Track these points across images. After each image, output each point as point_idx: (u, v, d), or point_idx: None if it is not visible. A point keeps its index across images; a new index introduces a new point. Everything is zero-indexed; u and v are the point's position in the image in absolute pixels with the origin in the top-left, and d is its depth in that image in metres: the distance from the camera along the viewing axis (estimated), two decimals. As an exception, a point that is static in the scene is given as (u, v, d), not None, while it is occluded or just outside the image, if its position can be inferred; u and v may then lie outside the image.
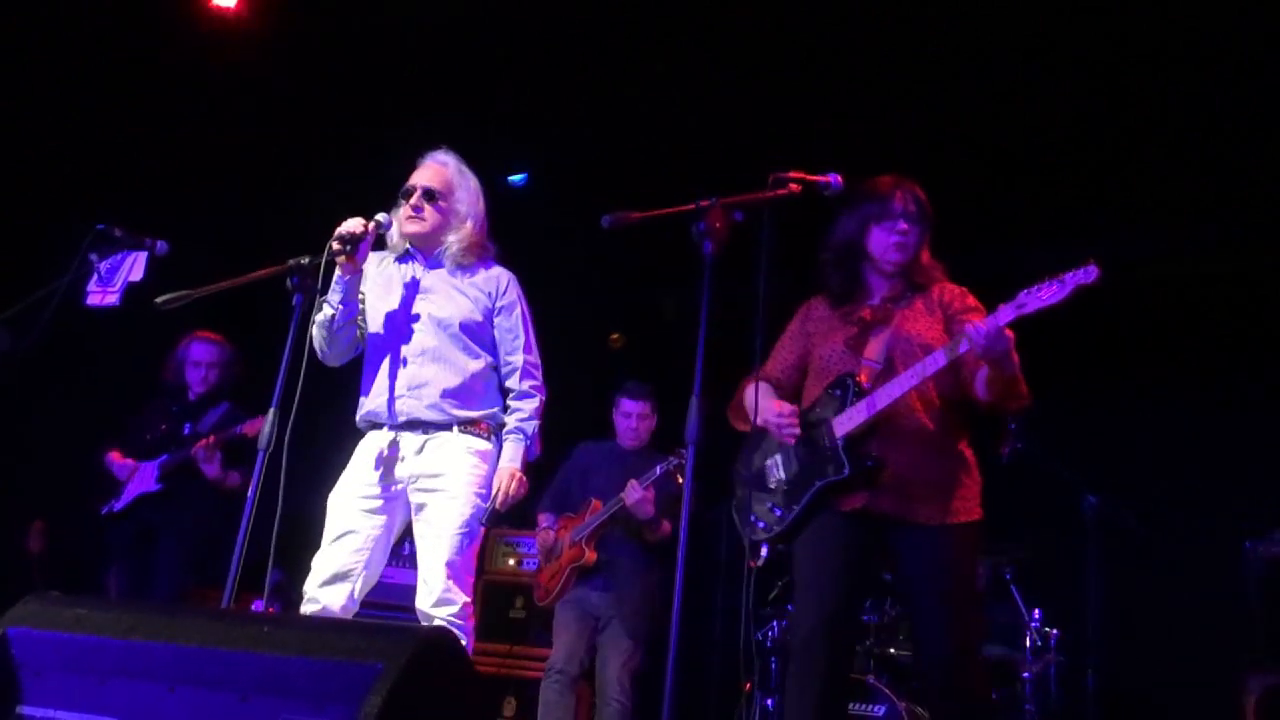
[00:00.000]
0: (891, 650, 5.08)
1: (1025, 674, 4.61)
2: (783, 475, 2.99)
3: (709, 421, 2.41)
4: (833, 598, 2.80)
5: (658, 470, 4.45)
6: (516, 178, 6.43)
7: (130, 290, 3.51)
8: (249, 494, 2.54)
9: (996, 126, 5.21)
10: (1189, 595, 5.00)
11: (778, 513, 2.98)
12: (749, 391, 2.98)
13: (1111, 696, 4.83)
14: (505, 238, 3.92)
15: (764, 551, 3.72)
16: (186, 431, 4.68)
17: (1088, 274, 2.51)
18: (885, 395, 2.77)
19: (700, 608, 5.55)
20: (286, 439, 2.62)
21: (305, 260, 2.77)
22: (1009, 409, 2.84)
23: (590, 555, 4.63)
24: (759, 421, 2.93)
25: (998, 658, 4.71)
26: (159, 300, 2.74)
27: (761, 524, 3.03)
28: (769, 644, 5.31)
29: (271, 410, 2.63)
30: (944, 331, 2.89)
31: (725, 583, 5.83)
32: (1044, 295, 2.55)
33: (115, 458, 4.74)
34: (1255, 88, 4.67)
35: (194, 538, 4.59)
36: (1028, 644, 4.64)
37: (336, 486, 3.14)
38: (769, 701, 5.22)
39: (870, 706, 4.73)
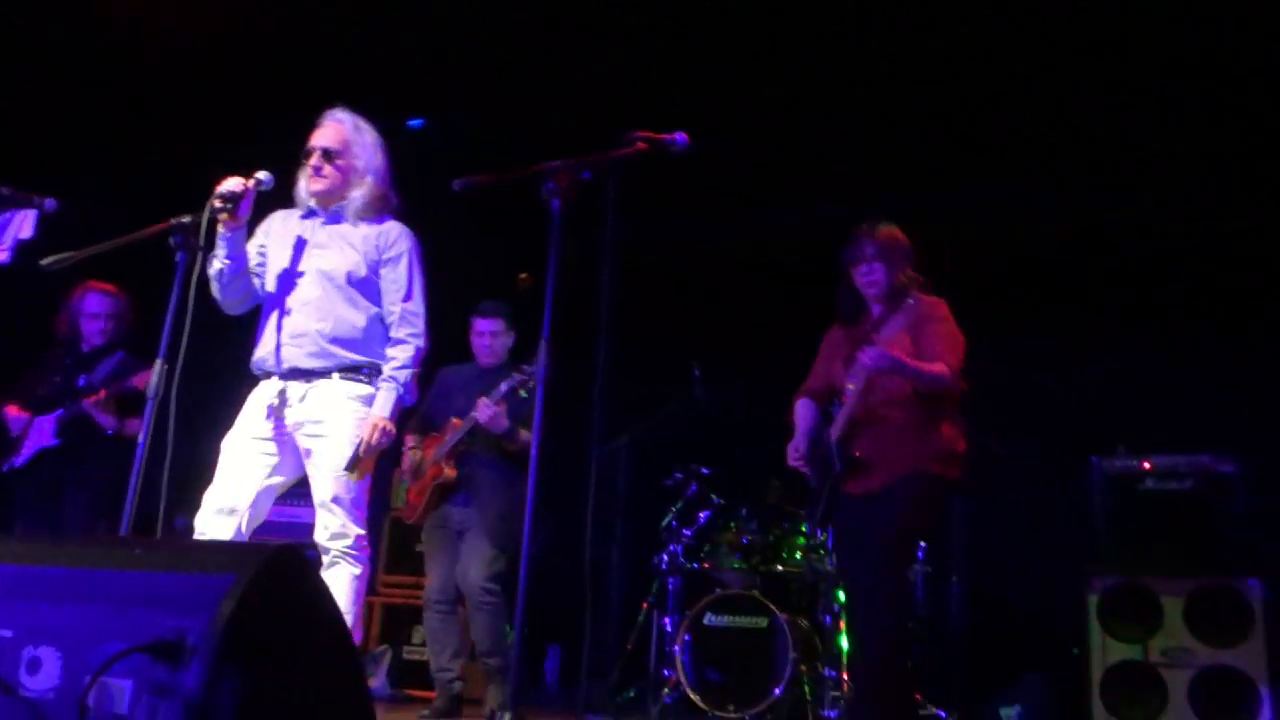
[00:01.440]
0: (778, 568, 5.46)
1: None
2: (814, 479, 3.76)
3: (614, 367, 2.69)
4: (858, 566, 3.62)
5: (503, 388, 4.55)
6: (414, 121, 6.51)
7: (20, 247, 3.58)
8: (139, 442, 2.70)
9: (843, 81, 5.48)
10: (1041, 507, 5.41)
11: (816, 504, 3.77)
12: (798, 406, 3.81)
13: (973, 599, 5.24)
14: (412, 182, 4.03)
15: (819, 534, 5.00)
16: (81, 384, 4.72)
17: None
18: (847, 409, 3.55)
19: (600, 536, 5.83)
20: (174, 390, 2.78)
21: (186, 219, 2.90)
22: (935, 391, 3.49)
23: (450, 472, 4.73)
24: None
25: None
26: (44, 262, 2.87)
27: (810, 512, 3.97)
28: (664, 566, 5.63)
29: (159, 361, 2.78)
30: (913, 343, 3.52)
31: (624, 512, 6.13)
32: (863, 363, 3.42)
33: (11, 412, 4.77)
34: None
35: (98, 489, 4.64)
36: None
37: (231, 430, 3.29)
38: (666, 620, 5.55)
39: (755, 619, 5.09)
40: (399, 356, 3.38)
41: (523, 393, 4.52)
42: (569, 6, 5.20)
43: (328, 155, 3.38)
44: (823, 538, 5.12)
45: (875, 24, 5.08)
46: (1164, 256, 5.94)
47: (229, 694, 1.26)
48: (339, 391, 3.28)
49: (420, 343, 3.42)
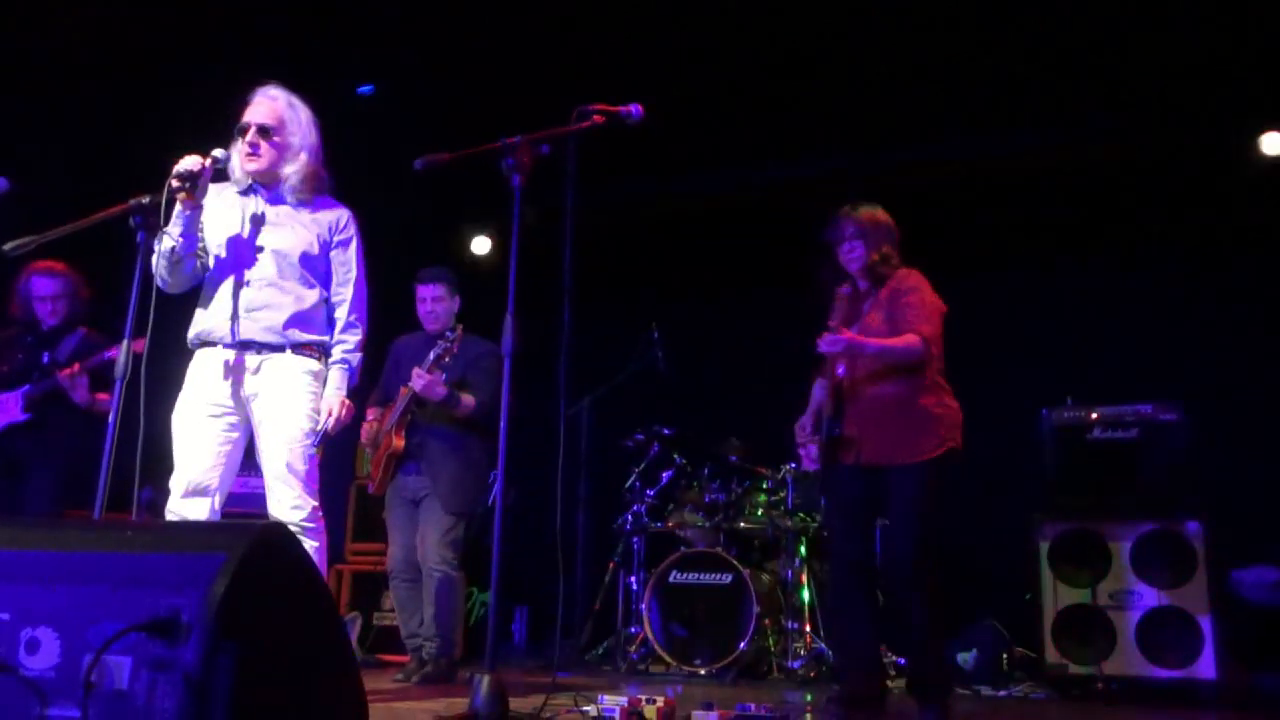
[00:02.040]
0: (741, 525, 5.58)
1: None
2: (820, 454, 3.85)
3: (574, 330, 2.75)
4: (844, 533, 3.74)
5: (431, 356, 4.55)
6: (364, 88, 6.44)
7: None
8: (109, 421, 2.71)
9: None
10: (995, 457, 5.54)
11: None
12: (814, 387, 3.86)
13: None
14: (367, 150, 4.00)
15: (822, 501, 5.00)
16: (45, 361, 4.67)
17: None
18: (830, 386, 3.67)
19: (566, 497, 5.89)
20: (144, 366, 2.80)
21: (146, 199, 2.89)
22: (910, 362, 3.54)
23: (398, 442, 4.72)
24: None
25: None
26: (6, 248, 2.86)
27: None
28: (628, 526, 5.74)
29: (125, 341, 2.79)
30: (888, 319, 3.62)
31: (587, 475, 6.21)
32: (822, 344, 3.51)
33: None
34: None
35: (64, 464, 4.62)
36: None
37: (178, 407, 3.27)
38: (632, 579, 5.67)
39: (719, 575, 5.22)
40: (349, 340, 3.44)
41: (446, 359, 4.54)
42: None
43: (264, 132, 3.36)
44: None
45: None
46: (1108, 207, 6.09)
47: (226, 667, 1.32)
48: (293, 365, 3.31)
49: (365, 329, 3.49)
